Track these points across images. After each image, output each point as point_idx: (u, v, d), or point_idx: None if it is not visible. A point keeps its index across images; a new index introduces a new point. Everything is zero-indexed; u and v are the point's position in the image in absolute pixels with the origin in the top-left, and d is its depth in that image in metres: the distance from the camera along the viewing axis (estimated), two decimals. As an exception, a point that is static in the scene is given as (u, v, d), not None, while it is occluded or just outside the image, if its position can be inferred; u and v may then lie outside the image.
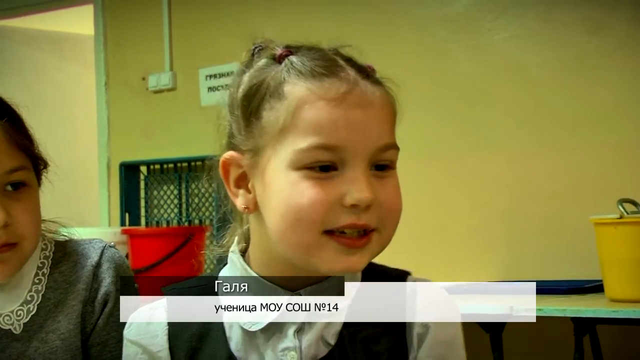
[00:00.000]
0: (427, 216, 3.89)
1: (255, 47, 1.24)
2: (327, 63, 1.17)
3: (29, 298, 1.49)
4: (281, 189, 1.15)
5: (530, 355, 3.63)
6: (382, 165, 1.19)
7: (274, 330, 1.19)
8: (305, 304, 1.19)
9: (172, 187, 4.75)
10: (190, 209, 4.70)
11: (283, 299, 1.19)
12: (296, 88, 1.15)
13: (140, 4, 4.88)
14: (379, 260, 1.26)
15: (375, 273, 1.24)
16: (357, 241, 1.15)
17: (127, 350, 1.27)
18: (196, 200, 4.69)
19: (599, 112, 3.61)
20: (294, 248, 1.16)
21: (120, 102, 4.93)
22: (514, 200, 3.75)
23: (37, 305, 1.49)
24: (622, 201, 2.98)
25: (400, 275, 1.25)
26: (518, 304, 2.96)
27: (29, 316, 1.48)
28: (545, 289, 3.36)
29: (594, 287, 3.21)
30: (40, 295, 1.49)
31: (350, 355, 1.17)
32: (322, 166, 1.14)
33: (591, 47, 3.63)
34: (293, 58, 1.18)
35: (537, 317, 2.94)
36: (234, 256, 1.25)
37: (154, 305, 1.27)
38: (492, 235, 3.78)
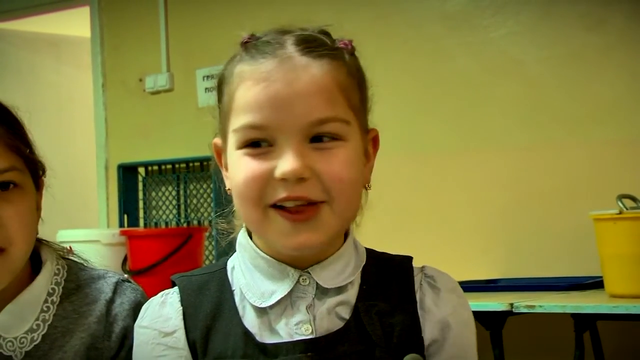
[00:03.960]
0: (425, 214, 3.89)
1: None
2: (270, 44, 1.19)
3: (34, 327, 1.44)
4: (230, 169, 1.21)
5: (531, 352, 3.63)
6: (321, 137, 1.18)
7: (285, 306, 1.21)
8: (315, 280, 1.22)
9: (170, 188, 4.75)
10: (188, 210, 4.69)
11: (293, 277, 1.22)
12: (236, 71, 1.20)
13: (136, 6, 4.87)
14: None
15: (378, 257, 1.28)
16: (299, 215, 1.17)
17: (140, 337, 1.27)
18: (194, 201, 4.68)
19: (597, 108, 3.61)
20: (250, 225, 1.22)
21: (118, 104, 4.93)
22: (513, 197, 3.75)
23: (42, 335, 1.44)
24: (622, 197, 2.98)
25: (405, 257, 1.29)
26: (518, 301, 2.96)
27: (32, 345, 1.43)
28: (545, 285, 3.36)
29: (594, 283, 3.20)
30: (46, 325, 1.44)
31: (367, 327, 1.20)
32: (254, 142, 1.18)
33: (590, 43, 3.63)
34: (249, 44, 1.21)
35: (538, 314, 2.94)
36: (243, 238, 1.27)
37: (165, 292, 1.30)
38: (491, 232, 3.78)
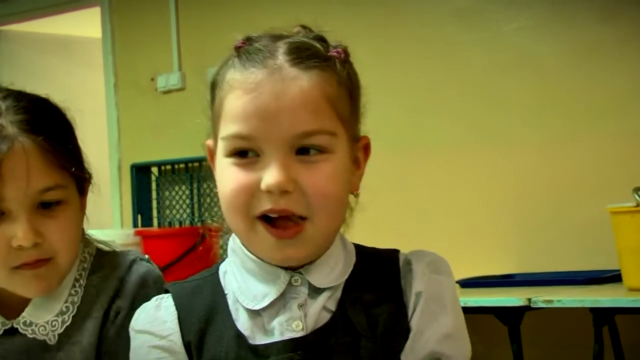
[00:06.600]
0: (440, 210, 3.87)
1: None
2: (261, 51, 1.19)
3: (64, 309, 1.46)
4: (218, 176, 1.23)
5: (549, 346, 3.61)
6: (307, 150, 1.18)
7: (278, 308, 1.22)
8: (306, 281, 1.22)
9: (183, 188, 4.75)
10: (202, 209, 4.69)
11: (284, 278, 1.22)
12: (227, 77, 1.20)
13: (147, 5, 4.87)
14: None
15: (366, 252, 1.29)
16: (284, 232, 1.17)
17: (136, 341, 1.28)
18: (208, 199, 4.67)
19: (611, 102, 3.59)
20: (237, 234, 1.23)
21: (130, 104, 4.93)
22: (528, 191, 3.73)
23: (72, 316, 1.46)
24: (638, 189, 2.96)
25: (391, 250, 1.29)
26: (536, 296, 2.94)
27: (64, 327, 1.45)
28: (562, 279, 3.34)
29: (612, 277, 3.19)
30: (75, 307, 1.47)
31: (352, 318, 1.20)
32: (241, 152, 1.18)
33: (604, 36, 3.61)
34: (242, 49, 1.22)
35: (556, 308, 2.92)
36: (233, 242, 1.28)
37: (159, 297, 1.30)
38: (506, 227, 3.76)
